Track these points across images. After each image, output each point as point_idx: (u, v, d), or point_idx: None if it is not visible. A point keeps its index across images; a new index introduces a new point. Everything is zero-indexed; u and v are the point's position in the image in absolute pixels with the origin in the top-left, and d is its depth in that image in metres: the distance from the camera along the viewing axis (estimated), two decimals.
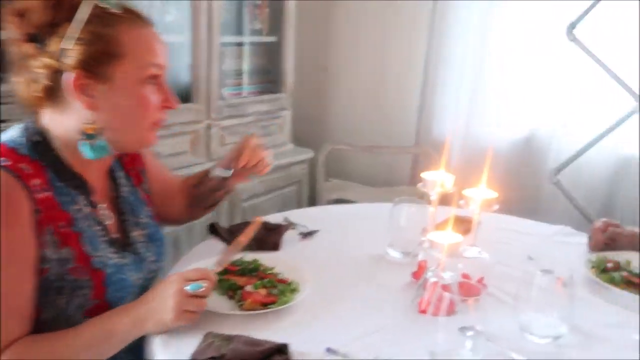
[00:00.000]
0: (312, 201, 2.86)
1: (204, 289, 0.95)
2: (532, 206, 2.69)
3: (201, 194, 1.33)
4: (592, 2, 2.23)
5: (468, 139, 2.78)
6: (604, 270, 1.34)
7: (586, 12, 2.23)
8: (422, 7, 2.81)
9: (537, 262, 1.39)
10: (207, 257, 1.21)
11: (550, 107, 2.62)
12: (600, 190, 2.56)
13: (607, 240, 1.47)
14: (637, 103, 2.19)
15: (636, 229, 1.56)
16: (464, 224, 1.43)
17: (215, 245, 1.35)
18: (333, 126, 3.14)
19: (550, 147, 2.63)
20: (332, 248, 1.45)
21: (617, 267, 1.35)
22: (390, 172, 2.97)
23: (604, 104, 2.45)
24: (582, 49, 2.26)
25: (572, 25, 2.27)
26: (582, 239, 1.55)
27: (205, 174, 1.32)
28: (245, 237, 1.14)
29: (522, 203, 2.69)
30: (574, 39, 2.27)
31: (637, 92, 2.19)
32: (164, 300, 0.94)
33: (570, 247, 1.54)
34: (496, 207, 1.30)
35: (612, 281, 1.28)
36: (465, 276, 1.24)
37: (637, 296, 1.22)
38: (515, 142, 2.74)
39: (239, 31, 2.63)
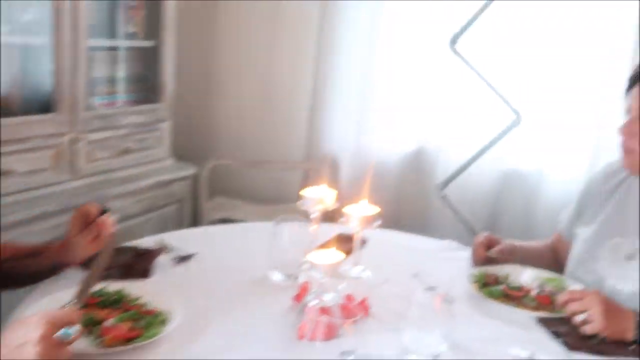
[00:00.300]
0: (195, 221, 2.79)
1: (74, 335, 0.86)
2: (422, 221, 2.83)
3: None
4: (473, 15, 2.38)
5: (358, 153, 2.86)
6: (485, 285, 1.42)
7: (466, 25, 2.38)
8: (309, 19, 2.86)
9: (422, 279, 1.45)
10: (62, 288, 1.13)
11: (438, 120, 2.76)
12: (487, 204, 2.73)
13: (499, 255, 1.56)
14: (516, 117, 2.35)
15: (515, 242, 1.68)
16: (349, 242, 1.48)
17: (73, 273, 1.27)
18: (217, 139, 3.09)
19: (438, 161, 2.78)
20: (210, 273, 1.42)
21: (496, 281, 1.44)
22: (280, 189, 2.97)
23: (489, 118, 2.62)
24: (464, 63, 2.40)
25: (454, 39, 2.41)
26: (467, 254, 1.63)
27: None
28: (98, 265, 1.07)
29: (412, 218, 2.84)
30: (456, 52, 2.41)
31: (516, 107, 2.36)
32: (23, 349, 0.83)
33: (456, 263, 1.62)
34: (378, 223, 1.34)
35: (491, 295, 1.36)
36: (348, 298, 1.26)
37: (514, 309, 1.30)
38: (404, 156, 2.86)
39: (111, 34, 2.53)
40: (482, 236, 1.61)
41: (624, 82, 1.42)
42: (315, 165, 2.86)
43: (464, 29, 2.41)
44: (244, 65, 3.00)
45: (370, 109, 2.83)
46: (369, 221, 1.32)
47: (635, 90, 1.38)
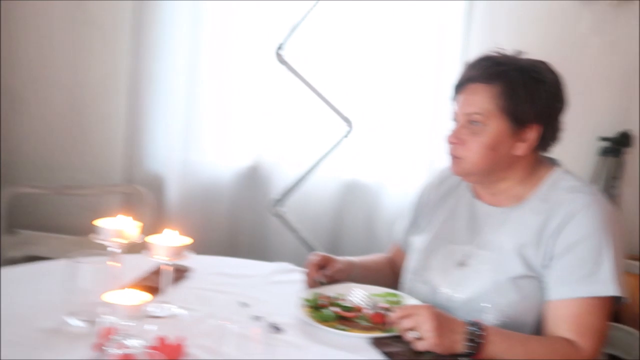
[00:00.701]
0: None
1: None
2: (260, 243, 2.80)
3: None
4: (297, 21, 2.41)
5: (186, 171, 2.78)
6: (317, 308, 1.41)
7: (291, 32, 2.40)
8: (120, 20, 2.74)
9: (251, 308, 1.42)
10: None
11: (272, 133, 2.76)
12: (327, 219, 2.78)
13: (336, 274, 1.57)
14: (349, 127, 2.42)
15: (352, 258, 1.69)
16: (172, 274, 1.40)
17: None
18: (17, 164, 2.83)
19: (273, 176, 2.77)
20: None
21: (331, 302, 1.44)
22: (95, 218, 2.77)
23: (324, 129, 2.67)
24: (292, 72, 2.43)
25: (280, 47, 2.43)
26: (302, 276, 1.62)
27: None
28: None
29: (248, 241, 2.80)
30: (282, 62, 2.42)
31: (347, 117, 2.42)
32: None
33: (290, 287, 1.60)
34: (190, 254, 1.28)
35: (323, 319, 1.35)
36: (161, 340, 1.18)
37: (345, 332, 1.30)
38: (238, 172, 2.82)
39: None
40: (315, 256, 1.61)
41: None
42: (137, 188, 2.72)
43: (289, 35, 2.43)
44: (46, 76, 2.79)
45: (197, 122, 2.76)
46: (178, 252, 1.25)
47: (459, 97, 1.46)
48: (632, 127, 2.69)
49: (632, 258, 1.54)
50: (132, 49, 2.76)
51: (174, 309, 1.29)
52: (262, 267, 1.75)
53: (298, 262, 1.80)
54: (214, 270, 1.68)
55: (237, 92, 2.75)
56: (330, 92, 2.52)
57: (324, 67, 2.63)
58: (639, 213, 2.72)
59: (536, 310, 1.37)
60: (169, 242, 1.24)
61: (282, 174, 2.75)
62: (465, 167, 1.44)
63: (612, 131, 2.69)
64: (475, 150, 1.41)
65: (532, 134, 1.41)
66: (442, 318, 1.25)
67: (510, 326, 1.35)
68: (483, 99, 1.40)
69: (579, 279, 1.32)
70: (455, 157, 1.45)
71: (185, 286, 1.56)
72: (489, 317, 1.37)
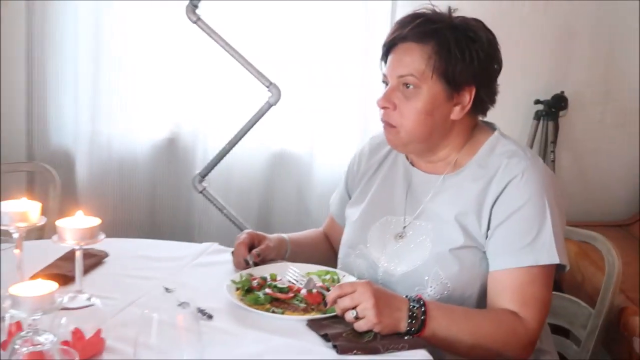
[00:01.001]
0: None
1: None
2: (184, 222, 2.75)
3: None
4: None
5: (96, 145, 2.69)
6: (249, 291, 1.39)
7: None
8: None
9: (177, 294, 1.38)
10: None
11: (191, 102, 2.70)
12: (255, 194, 2.76)
13: (265, 254, 1.55)
14: (273, 95, 2.38)
15: (284, 235, 1.68)
16: (88, 260, 1.34)
17: None
18: None
19: (195, 149, 2.72)
20: None
21: (264, 282, 1.42)
22: None
23: (249, 97, 2.61)
24: (209, 33, 2.36)
25: (194, 4, 2.35)
26: (231, 257, 1.59)
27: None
28: None
29: (171, 220, 2.75)
30: (197, 20, 2.35)
31: (274, 83, 2.39)
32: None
33: (218, 268, 1.57)
34: (102, 236, 1.22)
35: (256, 302, 1.33)
36: (76, 334, 1.13)
37: (280, 315, 1.29)
38: (155, 145, 2.76)
39: None
40: (243, 234, 1.59)
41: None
42: (42, 166, 2.59)
43: None
44: None
45: (106, 90, 2.67)
46: (90, 235, 1.19)
47: (390, 57, 1.45)
48: (567, 88, 2.78)
49: (570, 224, 1.58)
50: (30, 10, 2.61)
51: (89, 298, 1.24)
52: (187, 249, 1.70)
53: (226, 241, 1.78)
54: (133, 254, 1.63)
55: (150, 56, 2.67)
56: (253, 56, 2.47)
57: (245, 28, 2.58)
58: (575, 178, 2.85)
59: (479, 281, 1.40)
60: (78, 224, 1.18)
61: (203, 146, 2.71)
62: (401, 137, 1.43)
63: (547, 94, 2.77)
64: (410, 117, 1.41)
65: (467, 97, 1.42)
66: (383, 295, 1.25)
67: (453, 299, 1.38)
68: (416, 59, 1.39)
69: (519, 247, 1.35)
70: (389, 126, 1.44)
71: (102, 273, 1.51)
72: (430, 291, 1.39)
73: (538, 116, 2.78)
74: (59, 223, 1.17)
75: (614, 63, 2.81)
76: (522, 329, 1.32)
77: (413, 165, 1.55)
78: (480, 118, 1.51)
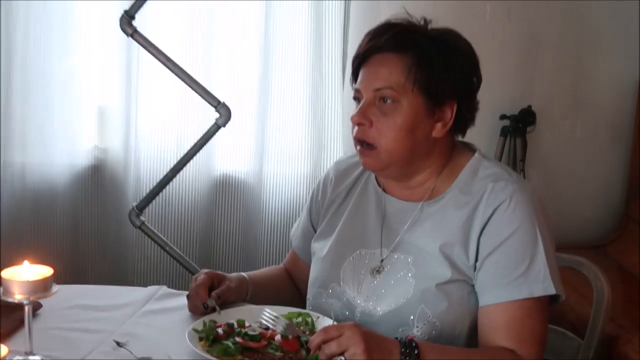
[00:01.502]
0: None
1: None
2: (116, 261, 2.71)
3: None
4: None
5: (8, 178, 2.64)
6: (215, 340, 1.36)
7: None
8: None
9: (130, 347, 1.36)
10: None
11: (119, 123, 2.68)
12: (196, 226, 2.74)
13: (226, 295, 1.54)
14: (222, 116, 2.38)
15: (243, 274, 1.67)
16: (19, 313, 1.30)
17: None
18: None
19: (126, 177, 2.68)
20: None
21: (231, 330, 1.40)
22: None
23: (191, 116, 2.65)
24: (146, 47, 2.33)
25: (130, 15, 2.32)
26: (185, 300, 1.57)
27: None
28: None
29: (102, 260, 2.69)
30: (133, 33, 2.32)
31: (221, 102, 2.39)
32: None
33: (172, 315, 1.55)
34: (55, 288, 1.20)
35: (226, 353, 1.31)
36: None
37: None
38: (77, 174, 2.72)
39: None
40: (201, 275, 1.56)
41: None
42: None
43: (140, 2, 2.34)
44: None
45: (18, 111, 2.63)
46: (39, 288, 1.16)
47: (363, 71, 1.46)
48: (534, 102, 2.88)
49: None
50: None
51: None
52: (131, 294, 1.68)
53: (169, 283, 1.76)
54: (70, 303, 1.59)
55: (73, 72, 2.65)
56: (196, 72, 2.47)
57: (184, 41, 2.60)
58: (546, 197, 2.94)
59: (469, 318, 1.42)
60: (28, 275, 1.15)
61: (136, 173, 2.69)
62: (381, 158, 1.44)
63: (513, 108, 2.86)
64: (389, 134, 1.41)
65: (449, 113, 1.44)
66: (372, 338, 1.25)
67: (442, 339, 1.39)
68: (394, 71, 1.41)
69: (512, 279, 1.37)
70: (365, 148, 1.45)
71: (39, 327, 1.44)
72: (417, 332, 1.40)
73: (505, 132, 2.85)
74: (5, 274, 1.14)
75: (583, 73, 2.93)
76: None
77: (387, 192, 1.56)
78: (458, 137, 1.54)
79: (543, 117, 2.90)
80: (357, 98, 1.48)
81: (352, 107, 1.50)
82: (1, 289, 1.15)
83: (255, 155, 2.72)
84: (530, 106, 2.87)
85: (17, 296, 1.13)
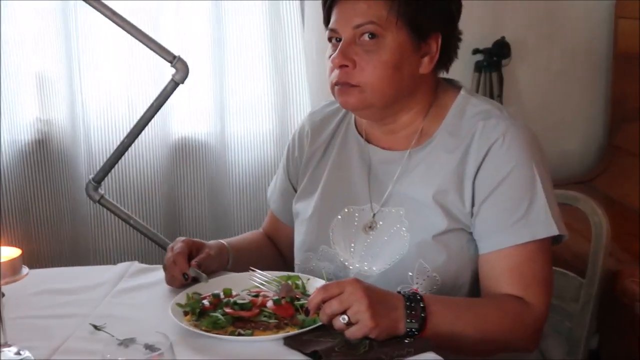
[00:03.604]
0: None
1: None
2: (75, 239, 2.69)
3: None
4: None
5: None
6: (202, 313, 1.35)
7: None
8: None
9: (109, 330, 1.34)
10: None
11: (62, 91, 2.62)
12: (159, 195, 2.71)
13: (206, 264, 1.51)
14: (179, 72, 2.33)
15: (222, 240, 1.65)
16: None
17: None
18: None
19: (75, 149, 2.63)
20: None
21: (218, 301, 1.38)
22: None
23: (142, 77, 2.60)
24: (86, 1, 2.27)
25: None
26: (161, 274, 1.55)
27: None
28: None
29: (58, 239, 2.65)
30: None
31: (177, 56, 2.33)
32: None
33: (149, 291, 1.54)
34: (25, 270, 1.17)
35: (216, 326, 1.30)
36: None
37: (250, 337, 1.27)
38: (21, 151, 2.66)
39: None
40: (178, 243, 1.54)
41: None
42: None
43: None
44: None
45: None
46: (8, 272, 1.13)
47: (338, 8, 1.43)
48: (507, 33, 2.88)
49: None
50: None
51: (19, 352, 1.19)
52: (101, 274, 1.64)
53: (138, 258, 1.74)
54: (36, 289, 1.55)
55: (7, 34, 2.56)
56: (146, 26, 2.42)
57: None
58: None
59: (470, 268, 1.43)
60: None
61: (86, 144, 2.64)
62: (365, 96, 1.41)
63: (487, 41, 2.86)
64: (375, 73, 1.40)
65: (434, 46, 1.44)
66: (375, 292, 1.24)
67: (443, 294, 1.40)
68: (373, 4, 1.39)
69: (512, 222, 1.38)
70: (347, 86, 1.42)
71: (7, 317, 1.42)
72: (416, 288, 1.40)
73: (479, 67, 2.86)
74: None
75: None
76: (530, 315, 1.37)
77: (369, 141, 1.55)
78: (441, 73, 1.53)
79: (518, 49, 2.91)
80: (333, 39, 1.45)
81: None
82: None
83: (215, 114, 2.68)
84: (503, 37, 2.87)
85: None
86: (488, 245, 1.41)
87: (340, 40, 1.43)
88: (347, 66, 1.41)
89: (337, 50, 1.41)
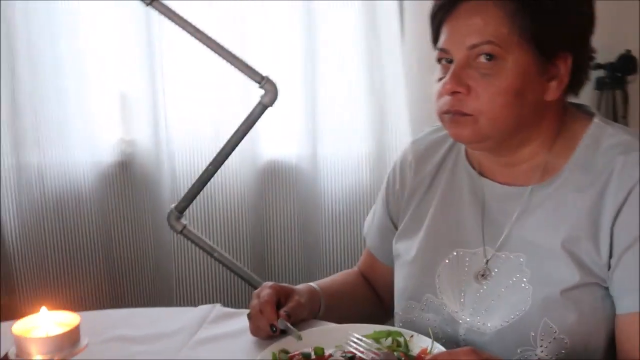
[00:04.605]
0: None
1: None
2: (158, 273, 2.64)
3: None
4: None
5: (24, 182, 2.54)
6: None
7: None
8: None
9: None
10: None
11: (147, 111, 2.58)
12: (245, 224, 2.63)
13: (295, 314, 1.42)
14: (267, 93, 2.24)
15: (311, 284, 1.56)
16: None
17: None
18: None
19: (161, 173, 2.59)
20: None
21: None
22: None
23: (230, 99, 2.54)
24: (170, 17, 2.21)
25: None
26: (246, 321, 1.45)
27: None
28: None
29: (141, 274, 2.61)
30: (153, 1, 2.21)
31: (265, 76, 2.25)
32: None
33: (231, 342, 1.45)
34: (85, 341, 1.07)
35: None
36: None
37: None
38: (104, 173, 2.63)
39: None
40: (265, 289, 1.44)
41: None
42: None
43: None
44: None
45: (27, 103, 2.51)
46: (65, 344, 1.03)
47: (449, 25, 1.31)
48: (633, 46, 2.68)
49: None
50: None
51: None
52: (179, 318, 1.56)
53: (221, 296, 1.65)
54: (104, 336, 1.48)
55: (81, 54, 2.54)
56: (234, 45, 2.34)
57: (209, 11, 2.47)
58: None
59: (605, 329, 1.28)
60: (48, 327, 1.01)
61: (170, 168, 2.59)
62: (481, 126, 1.28)
63: (609, 55, 2.66)
64: (494, 100, 1.26)
65: (563, 68, 1.30)
66: None
67: (572, 359, 1.25)
68: (491, 20, 1.26)
69: None
70: (459, 115, 1.29)
71: None
72: (541, 352, 1.27)
73: (600, 85, 2.68)
74: (17, 329, 1.00)
75: None
76: None
77: (483, 175, 1.42)
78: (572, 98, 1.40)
79: None
80: (443, 59, 1.33)
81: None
82: (13, 348, 1.01)
83: (307, 136, 2.59)
84: (629, 51, 2.66)
85: (36, 357, 0.99)
86: (629, 304, 1.24)
87: (451, 61, 1.30)
88: (460, 92, 1.28)
89: (448, 74, 1.29)
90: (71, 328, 1.01)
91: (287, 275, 2.57)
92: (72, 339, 1.01)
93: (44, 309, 1.03)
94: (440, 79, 1.31)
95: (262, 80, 2.22)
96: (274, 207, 2.67)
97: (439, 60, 1.34)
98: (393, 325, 1.46)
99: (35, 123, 2.53)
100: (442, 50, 1.32)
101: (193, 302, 1.72)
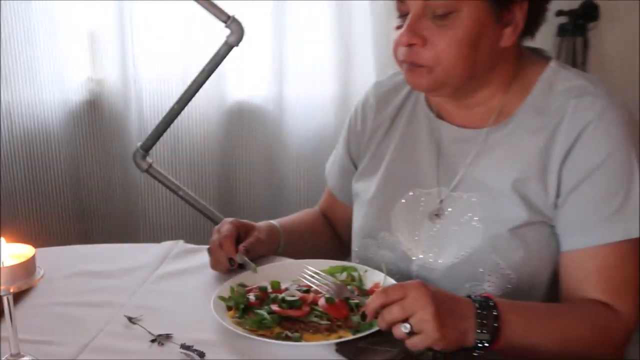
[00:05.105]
0: None
1: None
2: (125, 212, 2.62)
3: None
4: None
5: None
6: (247, 308, 1.26)
7: None
8: None
9: (145, 323, 1.26)
10: None
11: (115, 50, 2.55)
12: (211, 164, 2.63)
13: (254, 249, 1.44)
14: (233, 33, 2.21)
15: (272, 221, 1.57)
16: None
17: None
18: None
19: (127, 112, 2.56)
20: None
21: (265, 295, 1.29)
22: None
23: (195, 37, 2.50)
24: None
25: None
26: (206, 257, 1.46)
27: None
28: None
29: (108, 212, 2.60)
30: None
31: (231, 16, 2.22)
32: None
33: (192, 277, 1.45)
34: (41, 272, 1.06)
35: (261, 325, 1.21)
36: None
37: (297, 343, 1.17)
38: (72, 112, 2.60)
39: None
40: (225, 225, 1.45)
41: None
42: None
43: None
44: None
45: None
46: (20, 275, 1.02)
47: None
48: None
49: None
50: None
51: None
52: (143, 254, 1.57)
53: (186, 236, 1.65)
54: (68, 271, 1.49)
55: None
56: None
57: None
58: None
59: (549, 266, 1.31)
60: (4, 258, 1.01)
61: (137, 107, 2.56)
62: (436, 75, 1.29)
63: (572, 3, 2.65)
64: (449, 52, 1.26)
65: (518, 14, 1.29)
66: (443, 300, 1.12)
67: (518, 294, 1.28)
68: None
69: (603, 217, 1.24)
70: (415, 66, 1.30)
71: (28, 305, 1.34)
72: (487, 287, 1.29)
73: (562, 32, 2.66)
74: None
75: None
76: (618, 324, 1.24)
77: (440, 117, 1.43)
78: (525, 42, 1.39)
79: (607, 11, 2.67)
80: (400, 11, 1.32)
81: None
82: None
83: (273, 77, 2.57)
84: None
85: None
86: (573, 242, 1.27)
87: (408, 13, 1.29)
88: (416, 44, 1.28)
89: (404, 26, 1.28)
90: (26, 259, 1.01)
91: (252, 215, 2.57)
92: (27, 270, 1.01)
93: (2, 240, 1.02)
94: (399, 27, 1.31)
95: (228, 20, 2.20)
96: (239, 148, 2.66)
97: (398, 11, 1.33)
98: (351, 262, 1.47)
99: (3, 61, 2.49)
100: (398, 2, 1.31)
101: (159, 239, 1.71)
